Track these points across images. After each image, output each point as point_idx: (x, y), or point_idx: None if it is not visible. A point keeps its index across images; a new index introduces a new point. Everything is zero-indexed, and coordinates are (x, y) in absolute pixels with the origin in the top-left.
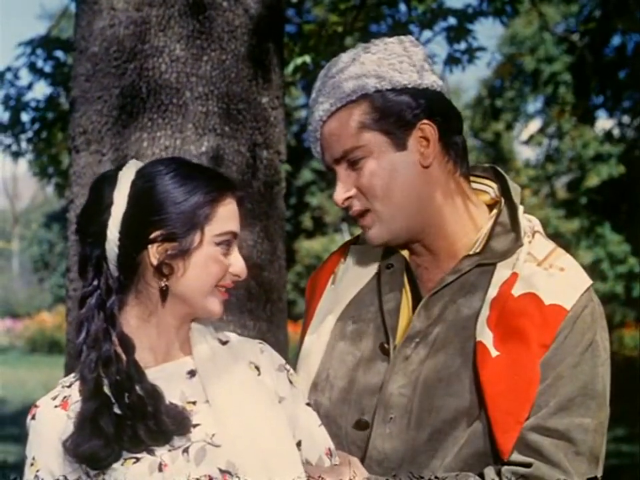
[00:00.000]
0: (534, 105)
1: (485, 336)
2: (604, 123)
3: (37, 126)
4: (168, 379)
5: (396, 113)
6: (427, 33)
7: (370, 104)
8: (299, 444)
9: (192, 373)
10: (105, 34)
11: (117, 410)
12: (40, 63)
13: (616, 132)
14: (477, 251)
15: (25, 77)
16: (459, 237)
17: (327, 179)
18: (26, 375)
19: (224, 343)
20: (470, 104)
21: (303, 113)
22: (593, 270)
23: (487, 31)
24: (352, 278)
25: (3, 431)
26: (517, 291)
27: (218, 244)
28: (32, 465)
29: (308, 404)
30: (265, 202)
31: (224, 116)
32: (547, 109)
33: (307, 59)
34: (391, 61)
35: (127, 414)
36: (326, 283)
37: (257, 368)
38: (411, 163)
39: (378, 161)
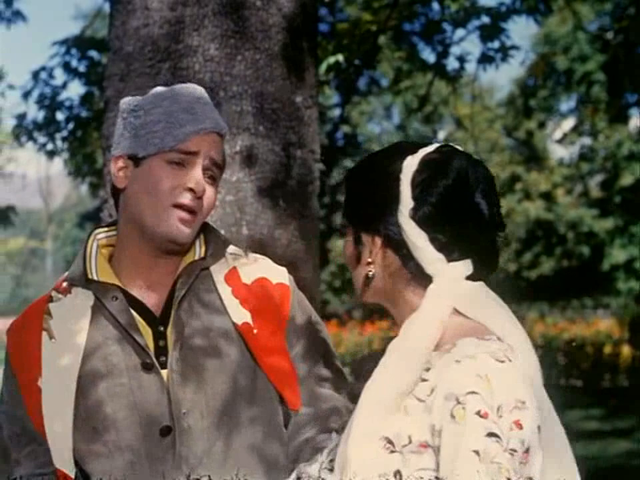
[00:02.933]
0: (567, 103)
1: (245, 316)
2: (637, 121)
3: (71, 125)
4: None
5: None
6: (460, 31)
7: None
8: None
9: None
10: (139, 34)
11: None
12: (74, 63)
13: None
14: (202, 256)
15: (60, 77)
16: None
17: None
18: None
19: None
20: (503, 102)
21: (336, 112)
22: (627, 268)
23: (521, 30)
24: (73, 325)
25: None
26: (247, 279)
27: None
28: None
29: (476, 451)
30: (298, 201)
31: (258, 115)
32: (580, 107)
33: (340, 57)
34: None
35: None
36: (38, 338)
37: (432, 389)
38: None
39: (215, 189)
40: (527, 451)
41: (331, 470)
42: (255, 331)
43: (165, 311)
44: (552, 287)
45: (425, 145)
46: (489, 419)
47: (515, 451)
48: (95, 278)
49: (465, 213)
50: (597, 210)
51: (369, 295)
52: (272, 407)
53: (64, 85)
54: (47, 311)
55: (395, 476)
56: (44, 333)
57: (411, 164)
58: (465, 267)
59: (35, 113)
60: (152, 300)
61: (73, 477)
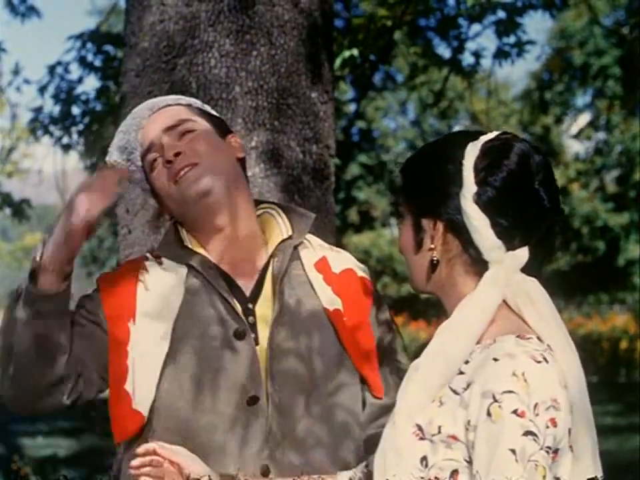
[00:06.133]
0: (583, 98)
1: (337, 303)
2: None
3: (87, 119)
4: None
5: (213, 119)
6: (476, 27)
7: (189, 107)
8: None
9: None
10: (155, 29)
11: None
12: (90, 57)
13: None
14: (290, 234)
15: (75, 71)
16: (256, 227)
17: (374, 174)
18: None
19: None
20: (518, 97)
21: (351, 107)
22: None
23: (536, 25)
24: (166, 285)
25: (54, 425)
26: (336, 269)
27: None
28: None
29: (512, 450)
30: (314, 196)
31: (274, 110)
32: (596, 102)
33: (355, 52)
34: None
35: None
36: (134, 287)
37: (469, 383)
38: (230, 152)
39: (204, 132)
40: (556, 451)
41: None
42: (345, 319)
43: (254, 289)
44: (568, 282)
45: (484, 132)
46: (525, 418)
47: (550, 448)
48: (190, 247)
49: (526, 198)
50: (613, 204)
51: (431, 282)
52: (355, 394)
53: (80, 80)
54: (143, 267)
55: (421, 462)
56: (140, 284)
57: (473, 150)
58: (523, 254)
59: (50, 108)
60: (241, 278)
61: (146, 416)
